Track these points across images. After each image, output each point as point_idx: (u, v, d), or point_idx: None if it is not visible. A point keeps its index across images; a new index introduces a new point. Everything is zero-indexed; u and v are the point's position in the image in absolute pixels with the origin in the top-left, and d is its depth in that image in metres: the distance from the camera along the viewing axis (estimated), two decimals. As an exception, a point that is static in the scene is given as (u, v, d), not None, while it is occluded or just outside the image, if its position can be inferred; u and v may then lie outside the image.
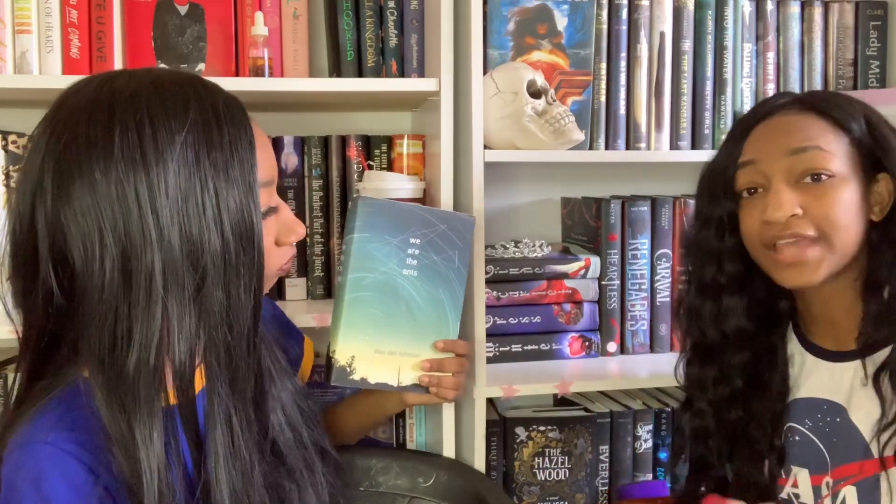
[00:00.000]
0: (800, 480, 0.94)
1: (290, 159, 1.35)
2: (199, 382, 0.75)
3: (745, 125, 0.94)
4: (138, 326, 0.69)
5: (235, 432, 0.75)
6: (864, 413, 0.89)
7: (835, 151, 0.86)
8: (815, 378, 0.94)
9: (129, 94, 0.71)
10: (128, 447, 0.69)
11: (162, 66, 1.26)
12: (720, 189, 0.95)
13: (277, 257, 0.84)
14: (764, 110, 0.93)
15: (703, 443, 1.00)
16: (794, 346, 0.98)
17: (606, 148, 1.37)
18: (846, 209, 0.86)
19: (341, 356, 1.03)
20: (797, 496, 0.94)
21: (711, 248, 0.96)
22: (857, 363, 0.90)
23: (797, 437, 0.95)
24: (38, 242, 0.71)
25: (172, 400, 0.73)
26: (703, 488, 1.03)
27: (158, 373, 0.70)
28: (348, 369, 1.04)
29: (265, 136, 0.82)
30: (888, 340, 0.87)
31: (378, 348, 1.05)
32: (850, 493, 0.89)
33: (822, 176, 0.86)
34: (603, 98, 1.36)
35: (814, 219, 0.86)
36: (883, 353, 0.87)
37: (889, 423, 0.85)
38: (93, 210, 0.69)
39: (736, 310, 0.96)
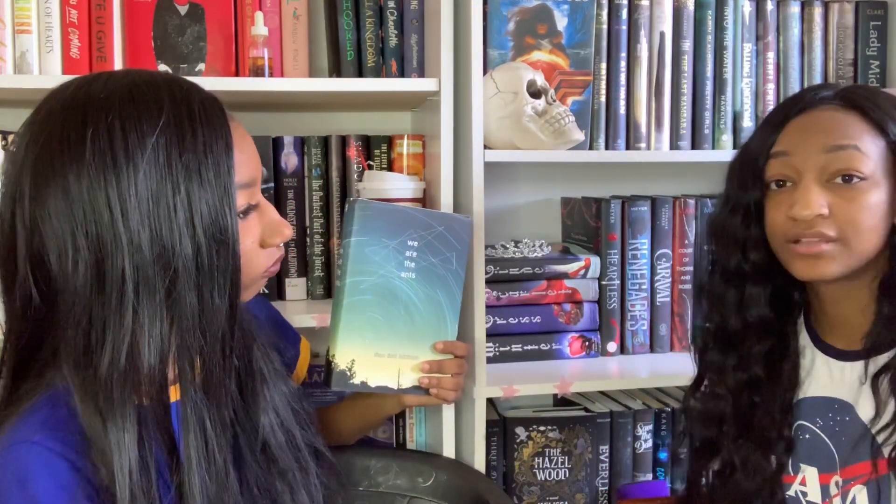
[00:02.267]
0: (808, 479, 0.94)
1: (290, 159, 1.35)
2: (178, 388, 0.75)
3: (783, 114, 0.92)
4: (110, 329, 0.69)
5: (210, 437, 0.74)
6: (870, 413, 0.88)
7: (870, 153, 0.85)
8: (824, 376, 0.94)
9: (103, 97, 0.71)
10: (103, 448, 0.69)
11: (163, 66, 1.26)
12: (750, 176, 0.93)
13: (262, 260, 0.82)
14: (804, 101, 0.91)
15: (717, 426, 0.99)
16: (804, 341, 0.98)
17: (606, 148, 1.36)
18: (872, 213, 0.85)
19: (341, 360, 1.03)
20: (805, 494, 0.94)
21: (737, 236, 0.96)
22: (863, 363, 0.90)
23: (807, 436, 0.95)
24: (17, 244, 0.72)
25: (147, 403, 0.73)
26: (706, 471, 1.03)
27: (131, 376, 0.70)
28: (348, 373, 1.04)
29: (248, 136, 0.81)
30: (894, 343, 0.87)
31: (377, 351, 1.05)
32: (860, 493, 0.89)
33: (855, 178, 0.85)
34: (603, 98, 1.36)
35: (838, 221, 0.85)
36: (886, 356, 0.87)
37: (884, 427, 0.85)
38: (66, 213, 0.69)
39: (759, 299, 0.96)
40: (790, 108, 0.92)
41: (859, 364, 0.91)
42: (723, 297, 0.98)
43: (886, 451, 0.85)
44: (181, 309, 0.71)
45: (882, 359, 0.88)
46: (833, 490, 0.92)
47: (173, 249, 0.70)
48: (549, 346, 1.37)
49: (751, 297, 0.96)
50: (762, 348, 0.96)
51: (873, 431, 0.87)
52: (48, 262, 0.70)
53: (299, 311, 1.22)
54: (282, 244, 0.85)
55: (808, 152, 0.87)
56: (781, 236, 0.90)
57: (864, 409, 0.89)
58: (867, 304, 0.90)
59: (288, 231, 0.83)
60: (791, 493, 0.95)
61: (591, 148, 1.36)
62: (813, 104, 0.90)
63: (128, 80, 0.73)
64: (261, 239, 0.81)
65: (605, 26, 1.35)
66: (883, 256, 0.88)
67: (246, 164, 0.78)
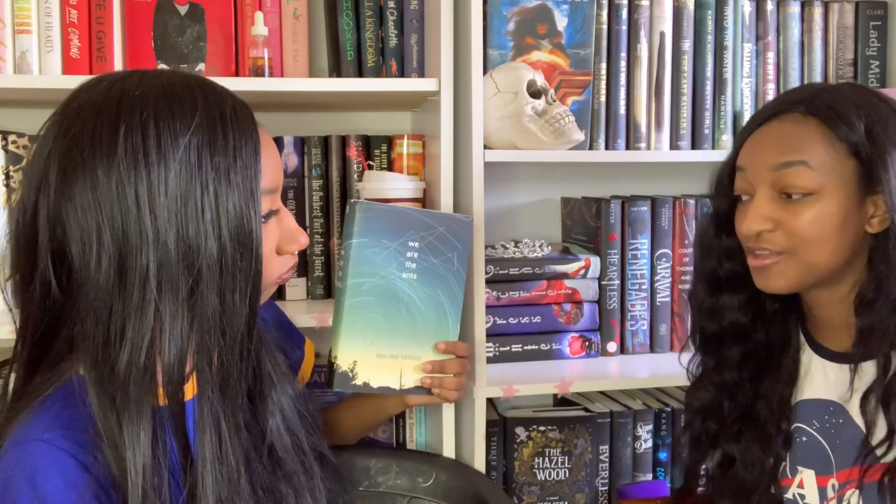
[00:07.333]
0: (805, 481, 0.94)
1: (290, 159, 1.35)
2: (193, 388, 0.75)
3: (750, 125, 0.93)
4: (131, 325, 0.69)
5: (224, 438, 0.74)
6: (861, 421, 0.88)
7: (821, 166, 0.85)
8: (819, 378, 0.95)
9: (138, 95, 0.72)
10: (116, 445, 0.69)
11: (163, 66, 1.26)
12: (718, 187, 0.96)
13: (277, 266, 0.83)
14: (768, 111, 0.91)
15: (713, 419, 1.01)
16: (801, 340, 0.98)
17: (606, 148, 1.36)
18: (820, 226, 0.85)
19: (343, 362, 1.04)
20: (802, 497, 0.94)
21: (712, 245, 0.98)
22: (850, 369, 0.90)
23: (804, 438, 0.95)
24: (38, 234, 0.72)
25: (163, 401, 0.73)
26: (705, 466, 1.04)
27: (149, 373, 0.70)
28: (350, 375, 1.04)
29: (273, 144, 0.82)
30: (874, 353, 0.86)
31: (380, 352, 1.05)
32: (854, 496, 0.89)
33: (801, 194, 0.85)
34: (603, 98, 1.36)
35: (784, 234, 0.86)
36: (871, 366, 0.87)
37: (879, 443, 0.85)
38: (93, 207, 0.69)
39: (732, 305, 0.97)
40: (757, 119, 0.93)
41: (848, 368, 0.91)
42: (703, 302, 1.00)
43: (884, 460, 0.85)
44: (202, 309, 0.72)
45: (866, 366, 0.88)
46: (829, 493, 0.92)
47: (198, 249, 0.71)
48: (549, 346, 1.37)
49: (724, 305, 0.98)
50: (739, 353, 0.98)
51: (871, 445, 0.87)
52: (70, 254, 0.70)
53: (299, 311, 1.22)
54: (296, 252, 0.85)
55: (758, 169, 0.88)
56: (743, 246, 0.92)
57: (856, 413, 0.89)
58: (849, 314, 0.89)
59: (304, 239, 0.84)
60: (789, 495, 0.96)
61: (591, 148, 1.36)
62: (775, 114, 0.90)
63: (162, 80, 0.74)
64: (277, 246, 0.82)
65: (605, 26, 1.35)
66: (858, 264, 0.88)
67: (271, 170, 0.79)
